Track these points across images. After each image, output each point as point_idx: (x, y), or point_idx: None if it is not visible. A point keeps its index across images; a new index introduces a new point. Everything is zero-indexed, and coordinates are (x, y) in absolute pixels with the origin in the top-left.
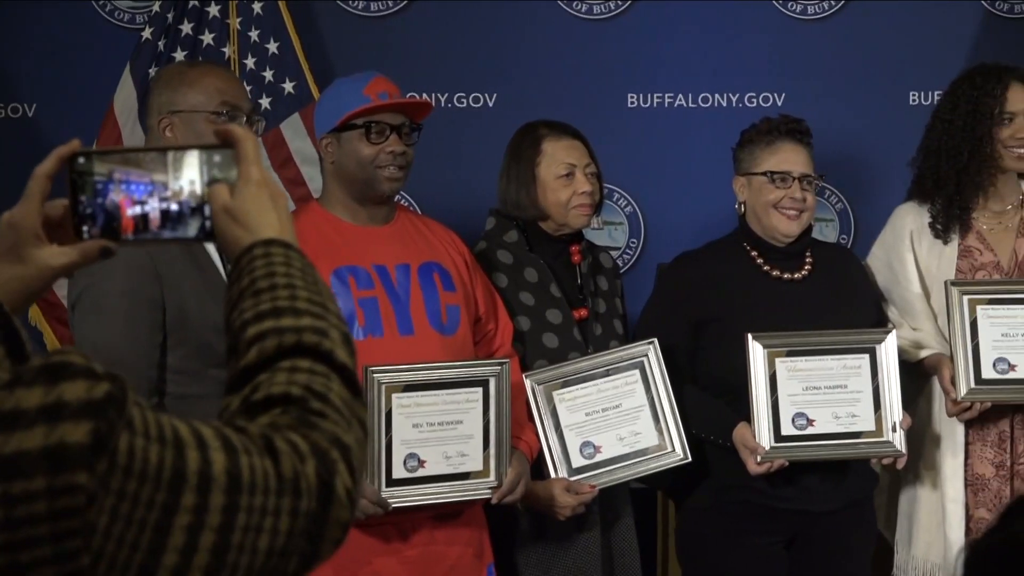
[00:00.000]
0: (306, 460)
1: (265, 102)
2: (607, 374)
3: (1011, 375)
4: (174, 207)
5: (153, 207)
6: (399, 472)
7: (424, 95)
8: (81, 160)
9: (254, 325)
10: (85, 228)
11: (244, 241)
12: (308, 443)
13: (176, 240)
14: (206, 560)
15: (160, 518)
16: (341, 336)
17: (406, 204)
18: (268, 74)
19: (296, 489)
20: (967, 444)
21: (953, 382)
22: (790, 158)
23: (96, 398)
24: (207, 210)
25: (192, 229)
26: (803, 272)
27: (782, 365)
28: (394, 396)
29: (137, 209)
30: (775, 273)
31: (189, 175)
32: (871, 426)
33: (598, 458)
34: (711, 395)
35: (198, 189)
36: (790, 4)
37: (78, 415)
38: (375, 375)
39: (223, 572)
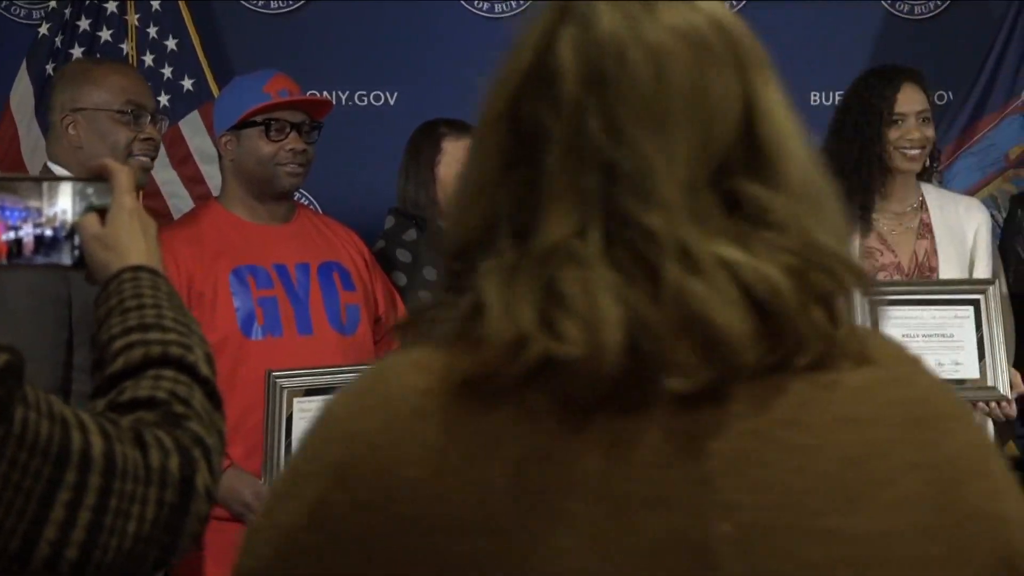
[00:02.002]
0: (170, 455)
1: (164, 99)
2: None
3: None
4: (48, 233)
5: (27, 233)
6: None
7: (325, 93)
8: None
9: (121, 338)
10: None
11: (114, 266)
12: (172, 439)
13: (50, 266)
14: (82, 537)
15: (45, 491)
16: (204, 354)
17: (306, 203)
18: (167, 71)
19: (162, 481)
20: None
21: None
22: None
23: None
24: (77, 239)
25: (66, 256)
26: None
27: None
28: (296, 400)
29: (11, 235)
30: None
31: (63, 204)
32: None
33: None
34: None
35: (70, 217)
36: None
37: None
38: (277, 380)
39: (95, 552)
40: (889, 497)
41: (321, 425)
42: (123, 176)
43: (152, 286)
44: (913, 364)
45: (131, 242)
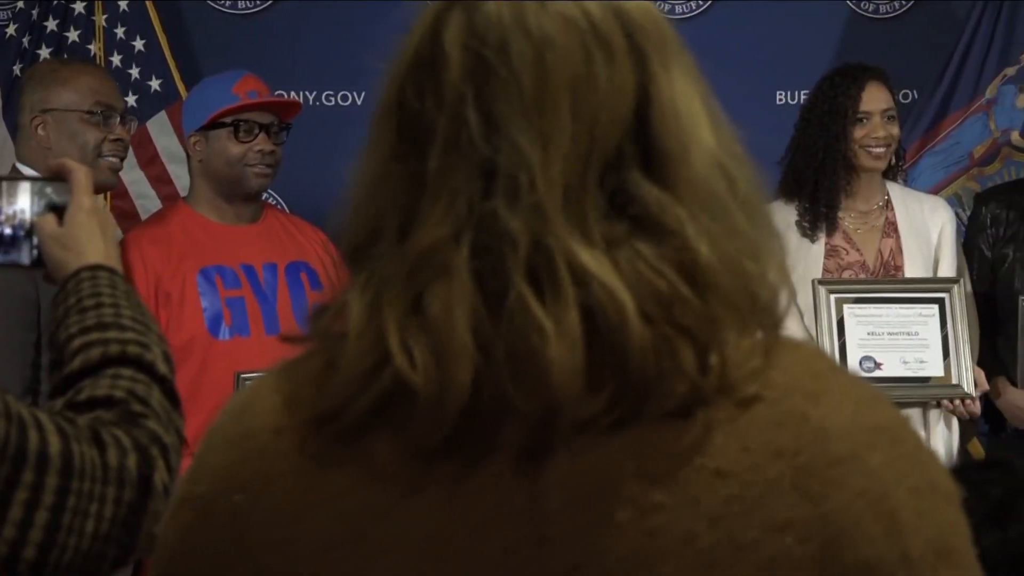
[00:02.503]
0: (128, 454)
1: (132, 100)
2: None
3: (877, 373)
4: (7, 232)
5: None
6: None
7: (292, 93)
8: None
9: (79, 337)
10: None
11: (71, 265)
12: (130, 438)
13: (7, 264)
14: (40, 537)
15: (2, 491)
16: (162, 353)
17: (274, 203)
18: (135, 71)
19: (120, 479)
20: None
21: None
22: None
23: None
24: (35, 239)
25: (24, 255)
26: None
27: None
28: None
29: None
30: None
31: (22, 203)
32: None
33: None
34: None
35: (28, 217)
36: (658, 4)
37: None
38: (245, 381)
39: (53, 551)
40: (753, 561)
41: (199, 454)
42: (81, 175)
43: (110, 285)
44: (815, 394)
45: (89, 241)
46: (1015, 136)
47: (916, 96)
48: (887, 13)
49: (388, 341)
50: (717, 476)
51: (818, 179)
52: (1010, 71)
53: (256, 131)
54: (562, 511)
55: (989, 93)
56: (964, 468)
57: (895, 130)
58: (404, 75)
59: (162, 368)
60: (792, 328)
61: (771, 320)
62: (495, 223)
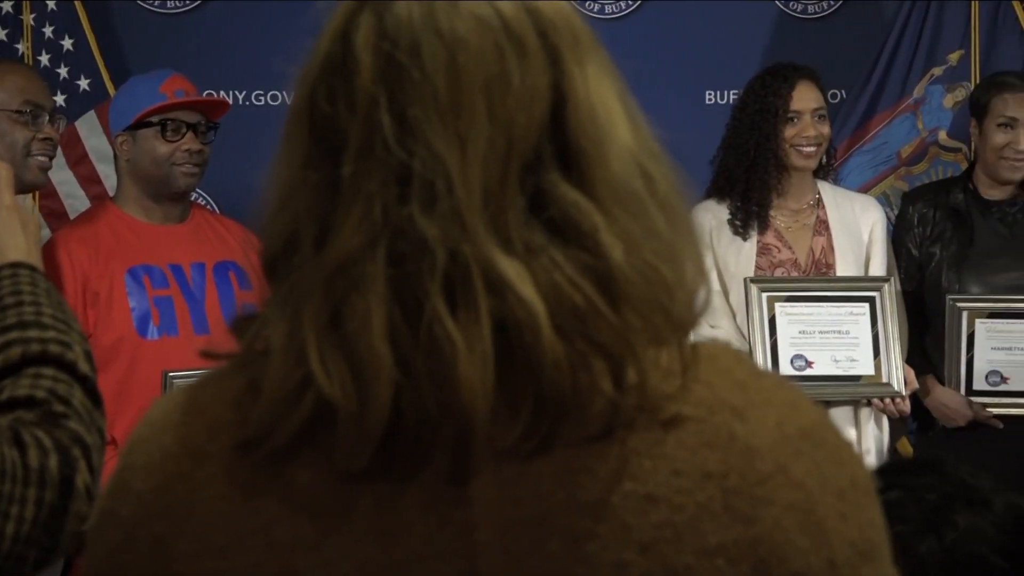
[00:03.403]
0: (49, 455)
1: (60, 99)
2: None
3: (808, 372)
4: None
5: None
6: None
7: (222, 93)
8: None
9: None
10: None
11: None
12: (51, 439)
13: None
14: None
15: None
16: (83, 352)
17: (203, 203)
18: (63, 71)
19: (41, 480)
20: None
21: None
22: None
23: None
24: None
25: None
26: None
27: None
28: None
29: None
30: None
31: None
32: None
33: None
34: None
35: None
36: (587, 3)
37: None
38: (174, 380)
39: None
40: None
41: (122, 469)
42: (1, 172)
43: (31, 283)
44: (740, 408)
45: (9, 239)
46: (942, 136)
47: (844, 96)
48: (815, 13)
49: (309, 359)
50: (648, 501)
51: (750, 178)
52: (937, 71)
53: (183, 130)
54: (493, 543)
55: (917, 93)
56: (899, 471)
57: (826, 129)
58: (315, 79)
59: (83, 367)
60: (724, 327)
61: (688, 328)
62: (412, 230)
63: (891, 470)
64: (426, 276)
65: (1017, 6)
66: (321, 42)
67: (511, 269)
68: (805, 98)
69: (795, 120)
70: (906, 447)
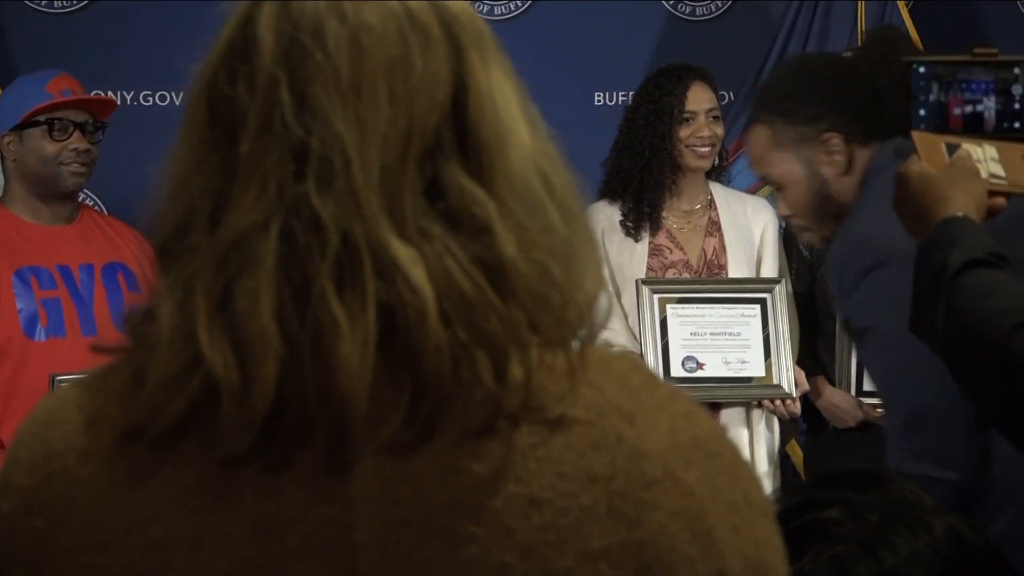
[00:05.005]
0: None
1: None
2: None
3: (699, 374)
4: None
5: None
6: None
7: (110, 93)
8: None
9: None
10: None
11: None
12: None
13: None
14: None
15: None
16: None
17: (91, 204)
18: None
19: None
20: None
21: None
22: None
23: None
24: None
25: None
26: None
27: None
28: None
29: None
30: None
31: None
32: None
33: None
34: None
35: None
36: (476, 4)
37: None
38: (61, 383)
39: None
40: None
41: (6, 464)
42: None
43: None
44: (630, 412)
45: None
46: None
47: (733, 98)
48: (703, 15)
49: (199, 340)
50: (531, 504)
51: (644, 178)
52: None
53: (71, 129)
54: (373, 544)
55: None
56: (842, 485)
57: (719, 130)
58: (216, 62)
59: None
60: (617, 328)
61: (582, 331)
62: (306, 208)
63: (834, 483)
64: (316, 255)
65: (902, 6)
66: (224, 30)
67: (403, 252)
68: (699, 99)
69: (690, 121)
70: (795, 451)
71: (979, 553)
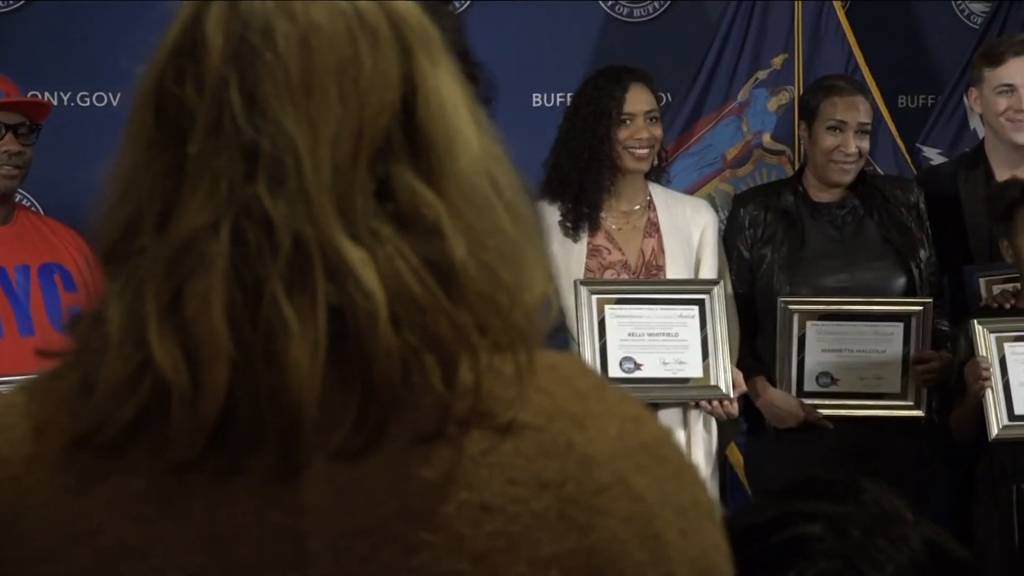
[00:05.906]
0: None
1: None
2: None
3: (637, 374)
4: None
5: None
6: None
7: (46, 94)
8: None
9: None
10: None
11: None
12: None
13: None
14: None
15: None
16: None
17: (28, 205)
18: None
19: None
20: None
21: None
22: None
23: None
24: None
25: None
26: None
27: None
28: None
29: None
30: None
31: None
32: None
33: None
34: None
35: None
36: None
37: None
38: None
39: None
40: None
41: None
42: None
43: None
44: (580, 418)
45: None
46: (767, 139)
47: (670, 99)
48: (640, 17)
49: (149, 342)
50: (482, 511)
51: (583, 179)
52: (762, 74)
53: (3, 132)
54: (325, 553)
55: (741, 96)
56: (820, 496)
57: (658, 131)
58: (164, 63)
59: None
60: None
61: (531, 335)
62: (257, 208)
63: (812, 495)
64: (268, 256)
65: (839, 7)
66: (170, 31)
67: (354, 254)
68: (638, 100)
69: (628, 122)
70: (735, 453)
71: (957, 563)
